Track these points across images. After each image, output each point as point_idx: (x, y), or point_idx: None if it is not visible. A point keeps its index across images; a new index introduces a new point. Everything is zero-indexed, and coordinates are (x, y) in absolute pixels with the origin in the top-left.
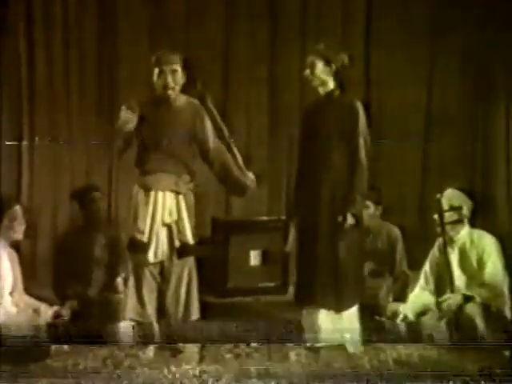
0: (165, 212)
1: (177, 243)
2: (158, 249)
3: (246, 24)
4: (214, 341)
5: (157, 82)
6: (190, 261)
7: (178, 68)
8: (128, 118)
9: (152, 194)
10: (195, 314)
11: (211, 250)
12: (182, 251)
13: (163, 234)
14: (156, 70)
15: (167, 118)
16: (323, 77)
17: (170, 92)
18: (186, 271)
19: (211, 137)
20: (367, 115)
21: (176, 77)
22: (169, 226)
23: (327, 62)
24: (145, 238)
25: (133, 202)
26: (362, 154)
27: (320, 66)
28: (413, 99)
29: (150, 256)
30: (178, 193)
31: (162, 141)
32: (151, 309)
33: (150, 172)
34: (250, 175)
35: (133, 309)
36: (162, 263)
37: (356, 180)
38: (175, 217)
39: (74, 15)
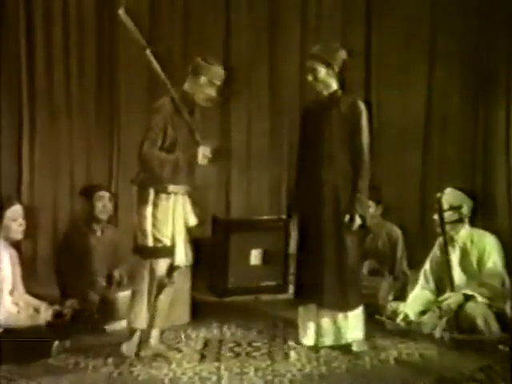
0: (187, 215)
1: None
2: (187, 253)
3: (246, 24)
4: (214, 340)
5: (202, 90)
6: None
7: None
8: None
9: (172, 197)
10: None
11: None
12: None
13: (187, 237)
14: (205, 79)
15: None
16: (327, 80)
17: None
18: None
19: None
20: (368, 115)
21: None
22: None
23: (328, 65)
24: (169, 243)
25: (150, 207)
26: (366, 153)
27: (322, 70)
28: (413, 99)
29: (180, 261)
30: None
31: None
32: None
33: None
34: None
35: (143, 318)
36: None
37: (360, 180)
38: (196, 220)
39: (74, 15)
